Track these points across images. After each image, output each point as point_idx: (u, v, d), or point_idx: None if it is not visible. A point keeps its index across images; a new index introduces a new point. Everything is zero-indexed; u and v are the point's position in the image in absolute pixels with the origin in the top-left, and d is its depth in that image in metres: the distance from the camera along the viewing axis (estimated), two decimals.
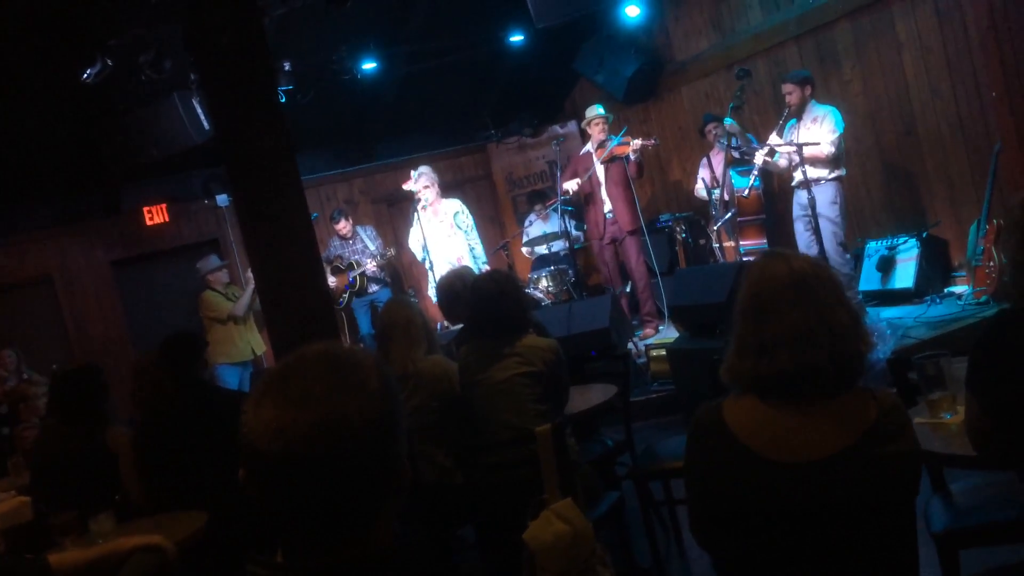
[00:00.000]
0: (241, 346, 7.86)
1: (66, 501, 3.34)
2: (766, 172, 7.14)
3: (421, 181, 7.82)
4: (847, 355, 1.76)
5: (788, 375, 1.76)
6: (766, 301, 1.82)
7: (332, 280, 8.42)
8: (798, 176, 6.26)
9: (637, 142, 7.41)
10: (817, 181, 6.25)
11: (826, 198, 6.27)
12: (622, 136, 7.56)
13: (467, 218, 8.00)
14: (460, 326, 4.56)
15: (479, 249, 8.03)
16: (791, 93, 6.37)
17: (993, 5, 6.06)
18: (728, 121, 6.79)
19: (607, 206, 7.70)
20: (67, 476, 3.70)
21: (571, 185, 7.73)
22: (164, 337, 3.97)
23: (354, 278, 8.50)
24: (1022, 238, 2.05)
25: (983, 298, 5.91)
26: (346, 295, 8.54)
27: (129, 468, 3.73)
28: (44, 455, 3.83)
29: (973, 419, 2.10)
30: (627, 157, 7.49)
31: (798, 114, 6.41)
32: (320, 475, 1.07)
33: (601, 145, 7.66)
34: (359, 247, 8.61)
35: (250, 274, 7.43)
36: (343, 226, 8.57)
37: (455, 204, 8.07)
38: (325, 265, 8.44)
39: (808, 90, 6.37)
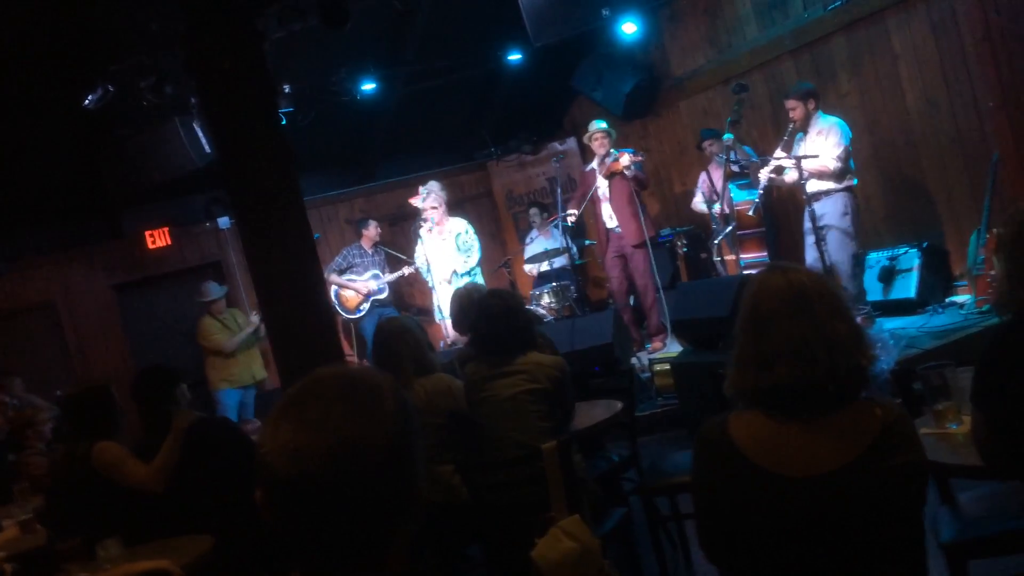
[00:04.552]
0: (240, 372, 7.85)
1: (75, 527, 3.32)
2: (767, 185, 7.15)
3: (430, 200, 7.85)
4: (846, 368, 1.76)
5: (787, 388, 1.76)
6: (764, 314, 1.83)
7: (357, 287, 8.41)
8: (807, 188, 6.19)
9: (626, 158, 7.44)
10: (826, 193, 6.21)
11: (836, 210, 6.20)
12: (617, 152, 7.59)
13: (470, 238, 8.01)
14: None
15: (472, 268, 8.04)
16: (794, 108, 6.29)
17: (988, 16, 6.09)
18: (727, 136, 6.81)
19: (612, 221, 7.72)
20: (73, 501, 3.69)
21: (571, 216, 7.78)
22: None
23: (382, 287, 8.47)
24: (1015, 253, 2.08)
25: (985, 307, 5.91)
26: (367, 304, 8.49)
27: (123, 479, 3.61)
28: (55, 481, 3.81)
29: (980, 432, 2.10)
30: (623, 173, 7.52)
31: (804, 127, 6.35)
32: (338, 498, 1.08)
33: (603, 160, 7.69)
34: (379, 259, 8.58)
35: (254, 318, 7.49)
36: (373, 231, 8.53)
37: (460, 224, 8.09)
38: (337, 274, 8.45)
39: (812, 104, 6.30)
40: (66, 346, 8.38)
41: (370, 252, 8.58)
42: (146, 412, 3.85)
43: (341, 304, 8.53)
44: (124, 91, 6.46)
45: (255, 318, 7.62)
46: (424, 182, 8.34)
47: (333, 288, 8.48)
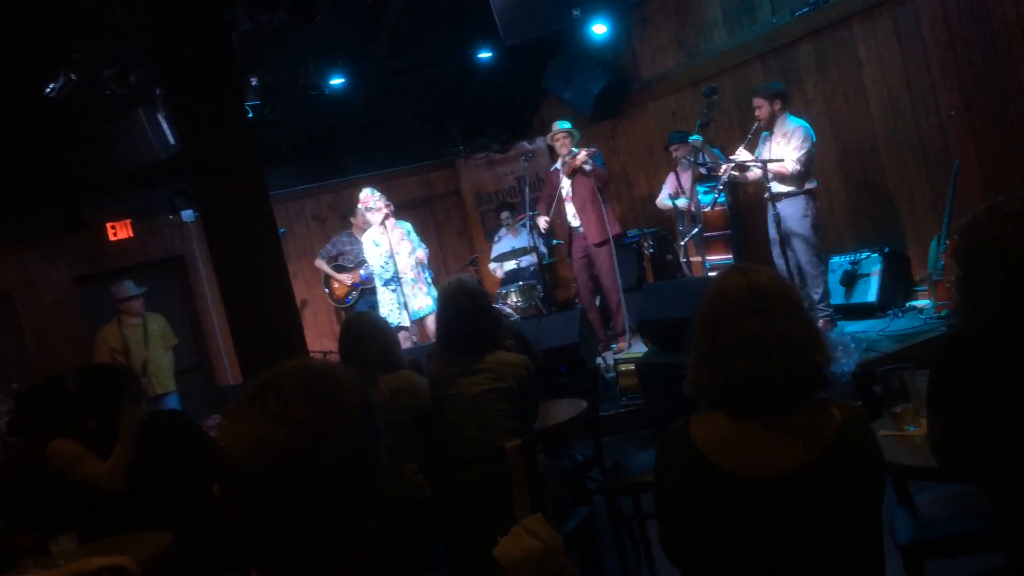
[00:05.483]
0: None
1: (30, 522, 3.26)
2: (732, 187, 7.20)
3: (383, 200, 7.77)
4: (800, 365, 1.79)
5: (742, 383, 1.79)
6: (722, 312, 1.86)
7: (344, 277, 8.38)
8: (772, 189, 6.28)
9: (583, 153, 7.45)
10: (787, 196, 6.29)
11: (796, 212, 6.29)
12: (577, 150, 7.60)
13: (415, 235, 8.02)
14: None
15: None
16: (760, 107, 6.37)
17: (951, 26, 6.20)
18: (695, 137, 6.85)
19: (576, 220, 7.74)
20: (27, 497, 3.61)
21: (541, 222, 7.77)
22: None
23: (368, 275, 8.36)
24: (965, 263, 2.12)
25: (944, 312, 6.02)
26: (356, 292, 8.40)
27: (82, 478, 3.55)
28: (10, 477, 3.73)
29: (936, 437, 2.14)
30: (583, 169, 7.54)
31: (769, 127, 6.43)
32: (297, 492, 1.06)
33: (565, 160, 7.72)
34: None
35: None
36: (363, 219, 8.36)
37: (407, 224, 8.05)
38: (327, 261, 8.39)
39: (777, 104, 6.37)
40: (23, 338, 8.22)
41: (360, 240, 8.51)
42: (93, 410, 3.77)
43: (331, 292, 8.50)
44: (87, 80, 6.34)
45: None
46: (392, 179, 8.28)
47: (323, 275, 8.50)
